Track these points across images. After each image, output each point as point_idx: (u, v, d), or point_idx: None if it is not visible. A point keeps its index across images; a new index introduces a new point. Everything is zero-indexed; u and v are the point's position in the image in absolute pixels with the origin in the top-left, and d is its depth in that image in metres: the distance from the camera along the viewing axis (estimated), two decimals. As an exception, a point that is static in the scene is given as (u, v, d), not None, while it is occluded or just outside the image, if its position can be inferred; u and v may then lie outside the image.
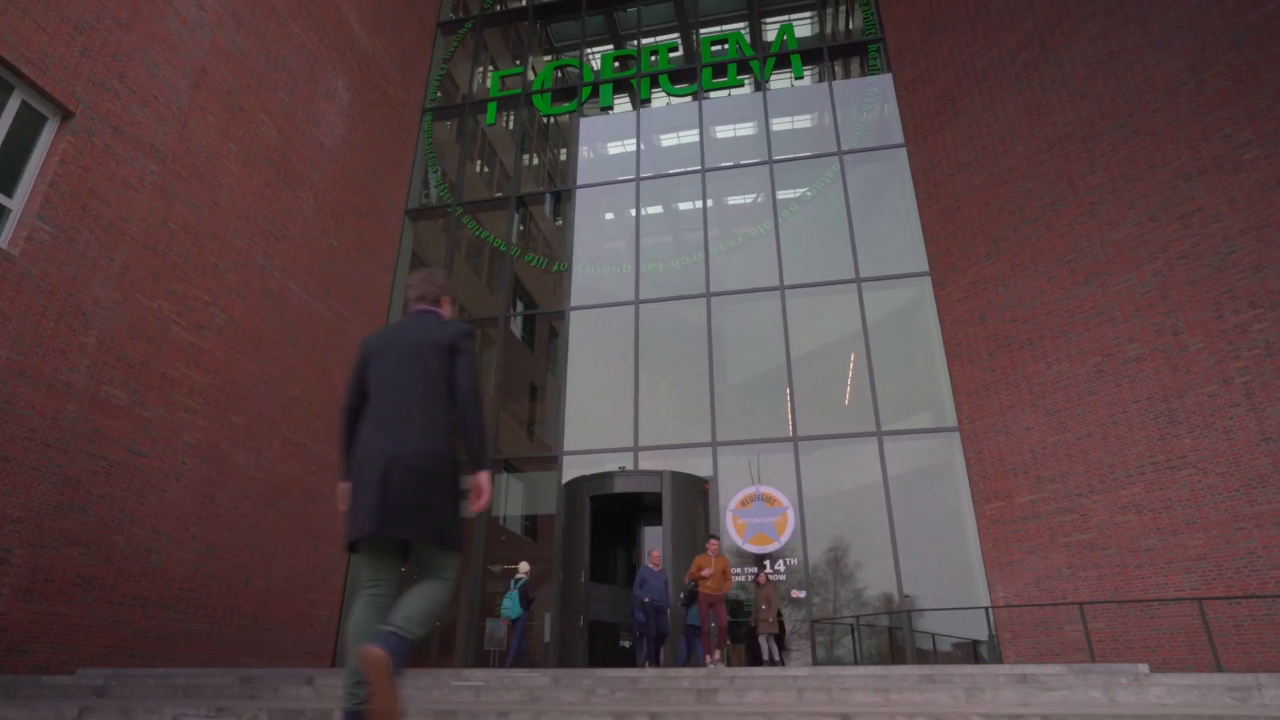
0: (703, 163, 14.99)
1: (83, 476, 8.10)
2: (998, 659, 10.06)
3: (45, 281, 7.87)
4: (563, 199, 15.66)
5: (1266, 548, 8.13)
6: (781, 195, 14.26)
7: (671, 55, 16.70)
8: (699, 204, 15.28)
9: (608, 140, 16.64)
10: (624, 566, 12.86)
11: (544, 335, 15.55)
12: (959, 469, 11.40)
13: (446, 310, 2.89)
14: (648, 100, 16.20)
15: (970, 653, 10.50)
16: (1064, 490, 10.02)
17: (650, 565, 9.45)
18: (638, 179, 15.13)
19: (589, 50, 17.61)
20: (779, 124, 15.39)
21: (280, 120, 11.92)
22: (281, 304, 11.55)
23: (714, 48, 16.39)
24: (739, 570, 11.50)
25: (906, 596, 10.60)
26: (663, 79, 16.22)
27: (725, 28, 17.37)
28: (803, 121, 15.66)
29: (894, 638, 11.01)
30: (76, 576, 7.99)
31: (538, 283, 15.66)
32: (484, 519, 12.72)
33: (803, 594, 11.16)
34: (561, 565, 11.78)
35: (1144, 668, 5.89)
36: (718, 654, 8.49)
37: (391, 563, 2.48)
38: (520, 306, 15.66)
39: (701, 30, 17.44)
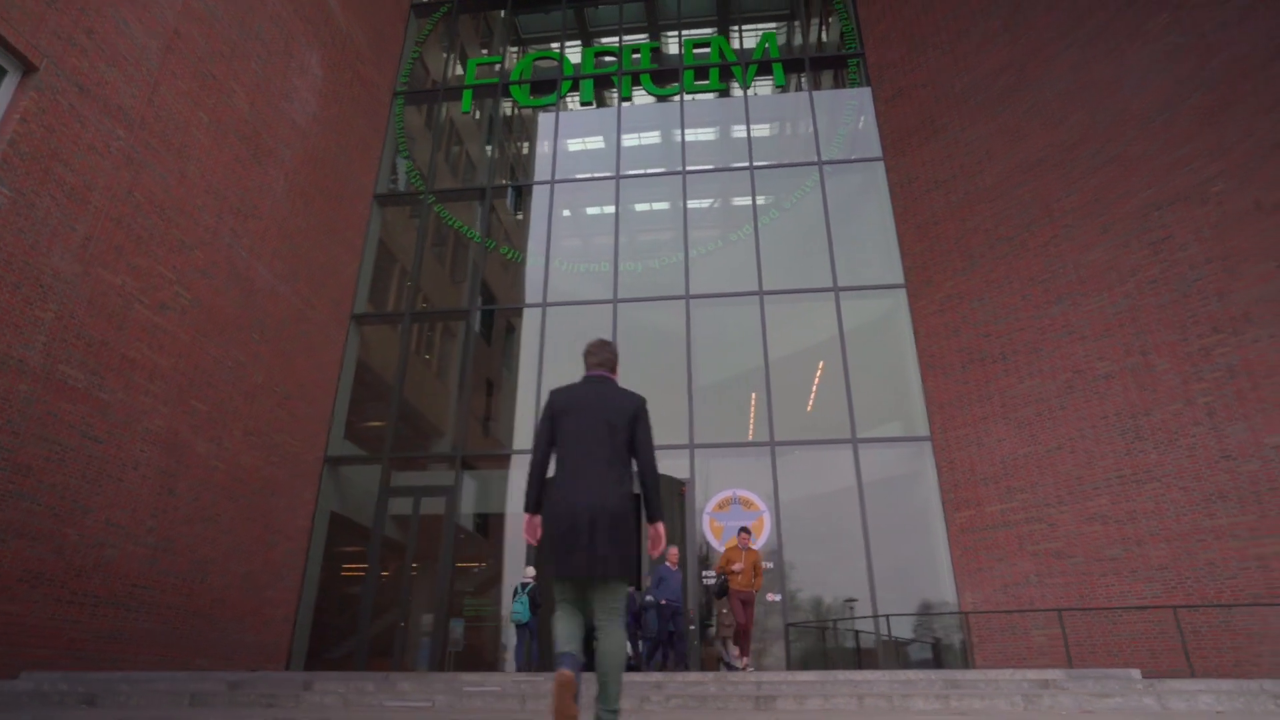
0: (684, 164, 14.97)
1: (33, 463, 7.46)
2: (969, 663, 10.35)
3: (1, 248, 7.22)
4: (529, 193, 15.36)
5: (1224, 559, 8.60)
6: (759, 201, 14.37)
7: (600, 59, 16.58)
8: (658, 205, 15.27)
9: (578, 136, 16.45)
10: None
11: (501, 330, 15.21)
12: (930, 477, 11.69)
13: (616, 376, 3.43)
14: (629, 98, 16.09)
15: (938, 657, 10.77)
16: (1033, 500, 10.39)
17: (668, 564, 9.23)
18: (617, 176, 15.00)
19: (559, 44, 17.37)
20: (757, 130, 15.51)
21: (253, 92, 11.30)
22: (248, 286, 10.95)
23: (696, 50, 16.40)
24: (711, 575, 11.49)
25: (898, 600, 10.79)
26: (644, 78, 16.13)
27: (695, 32, 17.35)
28: (783, 128, 15.82)
29: (860, 640, 11.20)
30: (23, 571, 7.35)
31: (498, 276, 15.29)
32: (450, 520, 12.36)
33: (778, 598, 11.23)
34: (536, 568, 11.52)
35: (1136, 673, 6.15)
36: (746, 659, 7.97)
37: (582, 587, 3.04)
38: (480, 300, 15.24)
39: (670, 33, 17.39)
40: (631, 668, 9.78)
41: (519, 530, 12.53)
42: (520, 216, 15.62)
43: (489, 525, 13.34)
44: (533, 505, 3.14)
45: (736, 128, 15.67)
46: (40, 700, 4.93)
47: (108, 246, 8.49)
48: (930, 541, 11.35)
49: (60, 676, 6.37)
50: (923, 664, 10.77)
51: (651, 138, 16.32)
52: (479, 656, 12.12)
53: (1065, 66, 11.66)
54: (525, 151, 16.56)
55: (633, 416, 3.16)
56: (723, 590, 8.64)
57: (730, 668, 10.16)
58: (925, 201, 13.09)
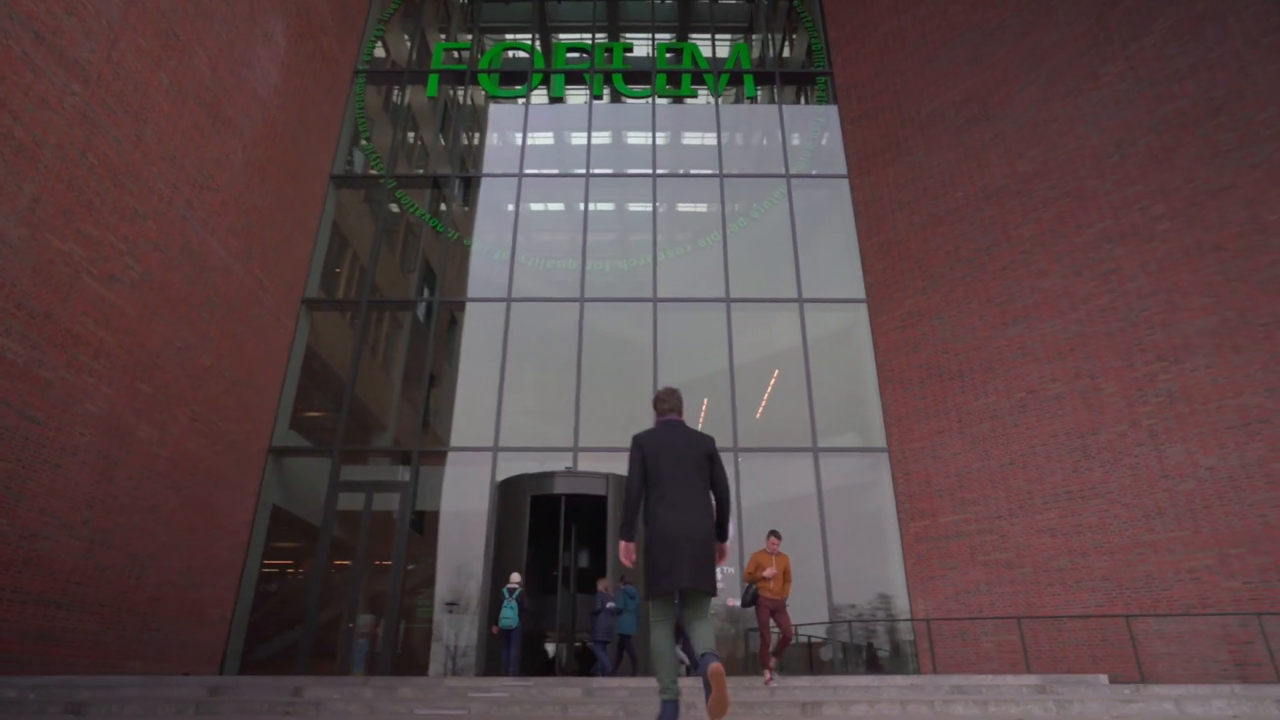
0: (654, 167, 14.98)
1: (-35, 443, 6.75)
2: (918, 669, 10.72)
3: (-59, 205, 6.51)
4: (478, 185, 14.98)
5: (1161, 571, 9.23)
6: (728, 209, 14.52)
7: (571, 56, 16.46)
8: (629, 206, 15.24)
9: (546, 130, 16.21)
10: (555, 571, 12.48)
11: (444, 324, 14.79)
12: (887, 488, 12.07)
13: (682, 417, 3.93)
14: (599, 96, 15.98)
15: (892, 661, 11.11)
16: (986, 513, 10.88)
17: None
18: (587, 174, 14.86)
19: (530, 36, 17.09)
20: (727, 139, 15.67)
21: (215, 56, 10.62)
22: (200, 262, 10.26)
23: (668, 55, 16.46)
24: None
25: (853, 606, 11.06)
26: (616, 78, 16.07)
27: (656, 37, 17.37)
28: (751, 139, 16.04)
29: (812, 645, 11.45)
30: (-53, 563, 6.63)
31: (458, 269, 14.81)
32: (404, 516, 11.91)
33: (737, 603, 11.33)
34: (494, 568, 11.25)
35: (1104, 678, 6.52)
36: (771, 669, 7.35)
37: (674, 601, 3.59)
38: (427, 292, 14.71)
39: (629, 34, 17.33)
40: (604, 671, 9.69)
41: (457, 528, 12.20)
42: (466, 208, 15.21)
43: (424, 522, 12.85)
44: (630, 533, 3.62)
45: (706, 135, 15.80)
46: (14, 709, 4.40)
47: (57, 210, 7.78)
48: (885, 550, 11.72)
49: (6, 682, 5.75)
50: (876, 669, 11.09)
51: (619, 138, 16.24)
52: (413, 659, 11.72)
53: (1026, 102, 12.30)
54: (494, 142, 16.18)
55: (710, 455, 3.75)
56: (752, 599, 7.73)
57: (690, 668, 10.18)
58: (889, 220, 13.54)
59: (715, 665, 3.18)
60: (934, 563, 11.21)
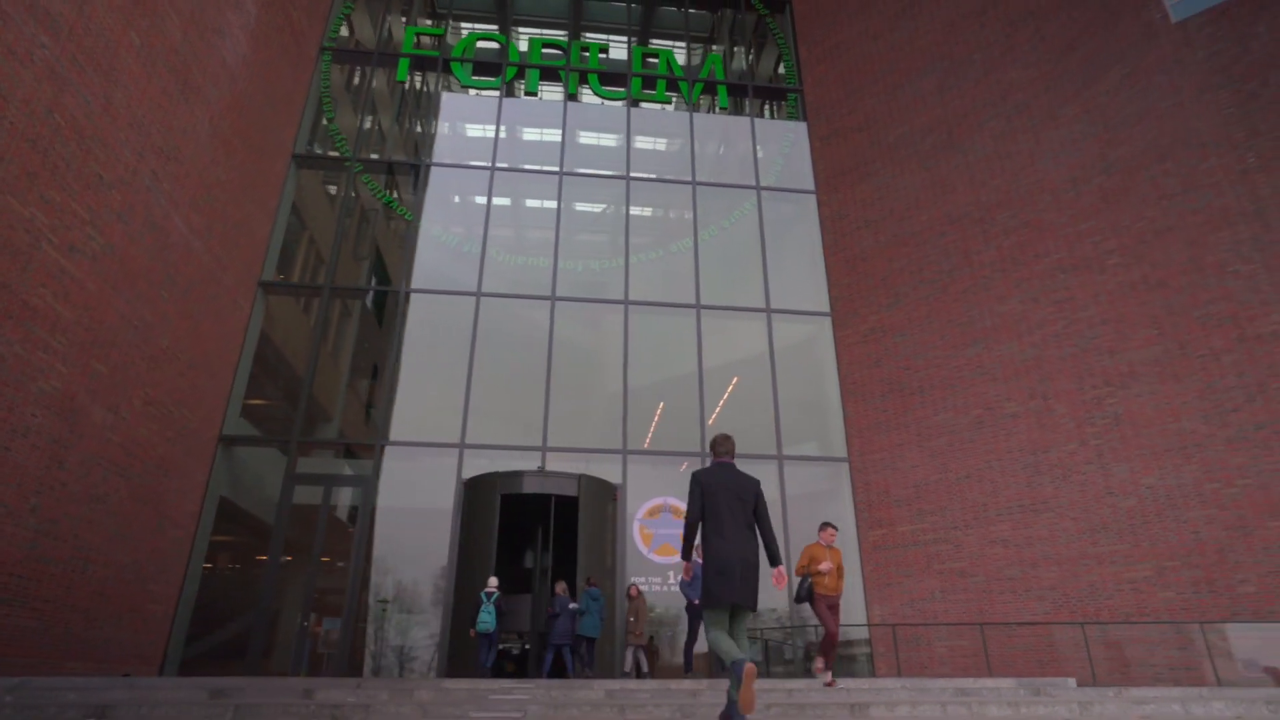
0: (628, 170, 15.01)
1: (-90, 420, 6.15)
2: (873, 672, 11.12)
3: (-100, 157, 5.92)
4: (427, 174, 14.65)
5: (1103, 581, 9.90)
6: (699, 216, 14.69)
7: (546, 52, 16.39)
8: (599, 207, 15.22)
9: (518, 124, 15.99)
10: (520, 572, 12.32)
11: (391, 314, 14.38)
12: (846, 497, 12.48)
13: (734, 460, 4.74)
14: (575, 95, 15.90)
15: (848, 664, 11.48)
16: (942, 523, 11.40)
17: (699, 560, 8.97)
18: (561, 172, 14.75)
19: (471, 26, 16.84)
20: (701, 147, 15.85)
21: (186, 20, 10.04)
22: (163, 238, 9.66)
23: (647, 60, 16.54)
24: (644, 580, 11.56)
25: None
26: (592, 78, 16.03)
27: (614, 39, 17.38)
28: (723, 148, 16.27)
29: (781, 651, 11.72)
30: (-117, 552, 6.02)
31: (394, 256, 14.34)
32: (366, 512, 11.52)
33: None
34: (459, 568, 11.01)
35: (1072, 682, 6.96)
36: (829, 672, 7.07)
37: (726, 611, 4.39)
38: (374, 280, 14.23)
39: (589, 34, 17.28)
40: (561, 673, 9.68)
41: (419, 525, 11.89)
42: (432, 198, 14.82)
43: (386, 519, 12.46)
44: (688, 554, 4.58)
45: (675, 141, 15.95)
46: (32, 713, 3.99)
47: (20, 171, 7.18)
48: (848, 558, 12.07)
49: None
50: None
51: (593, 138, 16.20)
52: (351, 658, 11.33)
53: (990, 134, 12.98)
54: (463, 132, 15.85)
55: (757, 495, 4.54)
56: (808, 594, 7.24)
57: (640, 673, 10.25)
58: (855, 238, 14.01)
59: (749, 666, 3.93)
60: (891, 570, 11.66)
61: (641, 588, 10.81)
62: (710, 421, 12.96)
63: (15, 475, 7.28)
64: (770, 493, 12.25)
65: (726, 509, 4.38)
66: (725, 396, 13.49)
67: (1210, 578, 9.17)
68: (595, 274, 14.04)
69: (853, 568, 11.98)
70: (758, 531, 4.44)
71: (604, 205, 15.20)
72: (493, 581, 9.65)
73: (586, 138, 16.10)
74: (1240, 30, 11.00)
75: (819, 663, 7.19)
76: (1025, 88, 12.82)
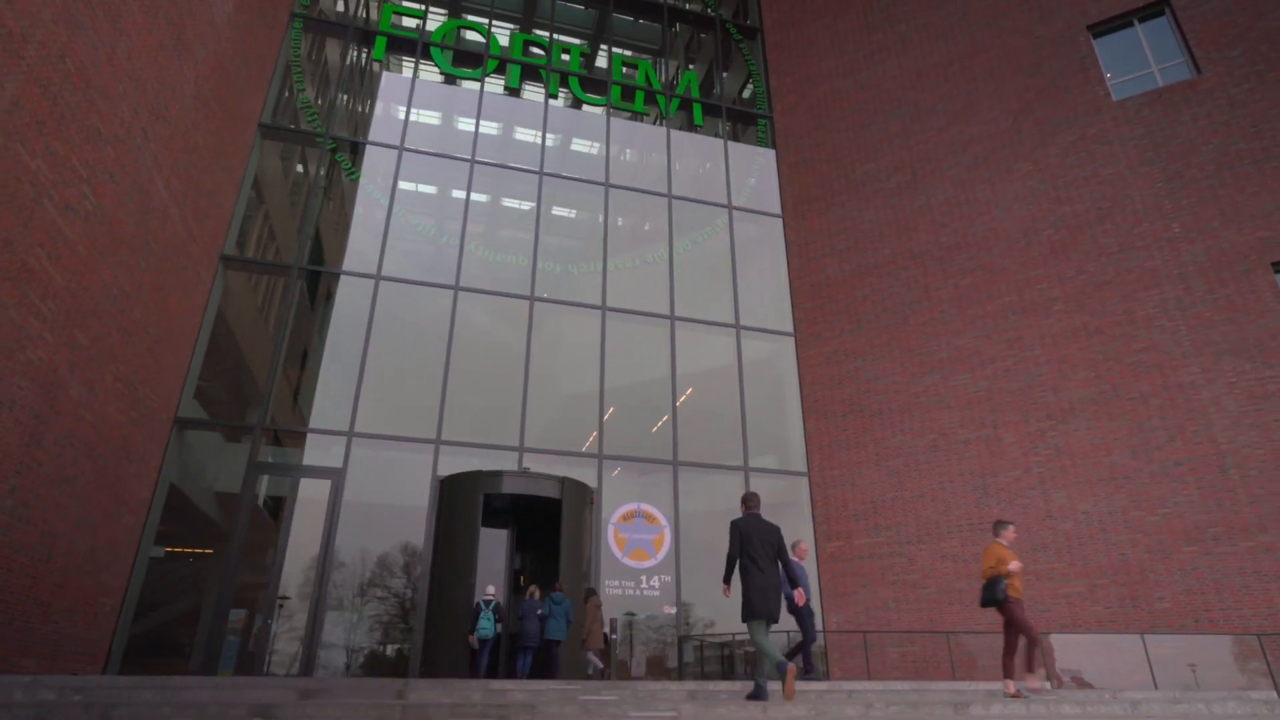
0: (606, 178, 15.15)
1: (-98, 386, 5.49)
2: (828, 675, 11.78)
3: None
4: (418, 161, 14.31)
5: (1042, 595, 10.99)
6: (673, 229, 15.04)
7: (565, 57, 16.41)
8: (577, 212, 15.29)
9: (489, 118, 15.74)
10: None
11: (322, 298, 13.86)
12: (806, 509, 13.14)
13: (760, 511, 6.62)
14: (555, 95, 15.88)
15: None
16: (896, 538, 12.25)
17: (796, 559, 8.92)
18: (540, 173, 14.69)
19: (429, 11, 16.58)
20: (676, 163, 16.19)
21: (186, -29, 9.37)
22: (146, 201, 8.97)
23: (625, 70, 16.73)
24: (617, 584, 11.73)
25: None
26: (572, 81, 16.06)
27: (559, 38, 17.30)
28: (698, 166, 16.69)
29: (735, 655, 12.17)
30: None
31: (331, 238, 13.82)
32: (336, 505, 11.03)
33: (674, 610, 11.77)
34: (435, 567, 10.76)
35: (1048, 684, 7.77)
36: (1039, 674, 6.54)
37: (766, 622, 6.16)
38: (355, 266, 13.76)
39: (542, 31, 17.12)
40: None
41: (389, 522, 11.54)
42: (408, 185, 14.39)
43: (354, 513, 11.98)
44: (727, 579, 6.42)
45: (655, 155, 16.25)
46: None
47: (31, 119, 6.54)
48: (804, 567, 12.71)
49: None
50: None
51: (564, 141, 16.22)
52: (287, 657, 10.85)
53: (950, 181, 14.09)
54: (435, 121, 15.44)
55: (779, 538, 6.41)
56: (1003, 596, 6.63)
57: (600, 674, 10.46)
58: (820, 264, 14.80)
59: (790, 666, 5.69)
60: (847, 580, 12.40)
61: (600, 595, 10.90)
62: (654, 430, 13.11)
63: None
64: (734, 501, 12.73)
65: (760, 549, 6.17)
66: (680, 403, 13.86)
67: (1134, 594, 10.42)
68: (574, 277, 14.08)
69: (810, 576, 12.63)
70: (779, 564, 6.31)
71: (580, 210, 15.26)
72: (490, 589, 9.58)
73: (559, 140, 16.08)
74: (1170, 115, 12.57)
75: (1030, 679, 6.51)
76: (984, 142, 14.03)
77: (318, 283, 13.23)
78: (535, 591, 10.27)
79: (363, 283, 12.66)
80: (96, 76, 7.52)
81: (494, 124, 15.67)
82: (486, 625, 9.30)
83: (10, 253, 6.44)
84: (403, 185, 13.83)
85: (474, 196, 14.17)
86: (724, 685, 7.07)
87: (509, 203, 14.98)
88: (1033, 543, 11.24)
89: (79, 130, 7.31)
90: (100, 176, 7.82)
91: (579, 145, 16.29)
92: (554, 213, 15.08)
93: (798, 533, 13.01)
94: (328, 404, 11.91)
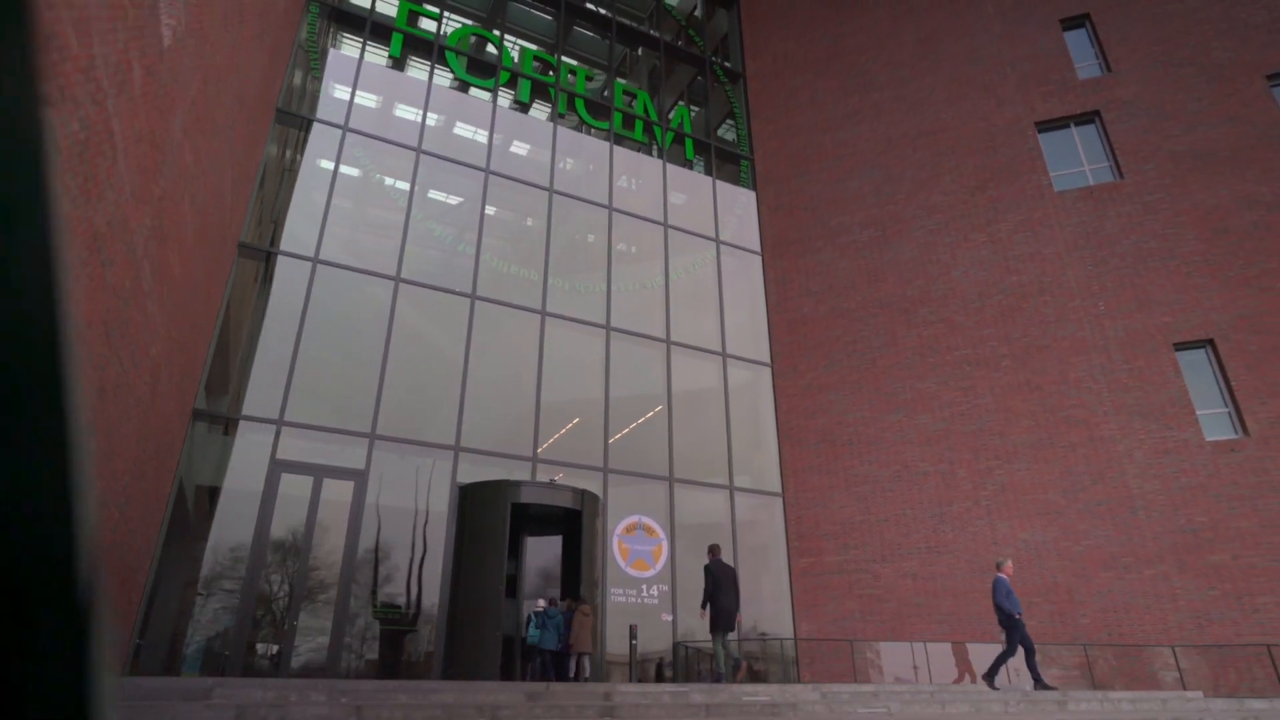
0: (610, 201, 15.81)
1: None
2: (799, 679, 13.05)
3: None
4: (436, 168, 14.46)
5: (988, 611, 12.73)
6: (668, 257, 15.94)
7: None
8: (559, 227, 15.85)
9: (492, 129, 15.97)
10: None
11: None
12: (779, 527, 14.42)
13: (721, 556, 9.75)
14: (563, 114, 16.35)
15: (780, 673, 13.30)
16: (863, 556, 13.76)
17: (1003, 576, 9.76)
18: (551, 190, 15.14)
19: (454, 17, 16.82)
20: (673, 196, 17.10)
21: (275, -39, 9.25)
22: (219, 188, 8.75)
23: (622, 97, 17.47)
24: (621, 592, 12.41)
25: (752, 625, 12.94)
26: (578, 103, 16.60)
27: (523, 43, 17.75)
28: (690, 198, 17.66)
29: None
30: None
31: (346, 236, 13.72)
32: (359, 508, 11.00)
33: (670, 618, 12.61)
34: (455, 570, 10.99)
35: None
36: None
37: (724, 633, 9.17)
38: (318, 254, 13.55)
39: (499, 30, 17.49)
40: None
41: (409, 528, 11.64)
42: (427, 191, 14.32)
43: (370, 516, 11.91)
44: (704, 606, 9.37)
45: (648, 181, 17.08)
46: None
47: (192, 118, 6.46)
48: (776, 579, 13.98)
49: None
50: (755, 678, 13.17)
51: (571, 162, 16.71)
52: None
53: (915, 242, 15.95)
54: (452, 129, 15.46)
55: (735, 577, 9.50)
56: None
57: (581, 677, 11.20)
58: (797, 303, 16.22)
59: (744, 664, 8.99)
60: (817, 593, 13.76)
61: (588, 606, 11.58)
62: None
63: (118, 448, 6.42)
64: (722, 518, 13.84)
65: (725, 583, 9.26)
66: (640, 420, 14.78)
67: (1062, 611, 12.43)
68: (581, 295, 14.62)
69: (783, 590, 13.91)
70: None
71: (584, 231, 15.81)
72: (540, 602, 10.09)
73: (567, 161, 16.56)
74: (1098, 211, 15.01)
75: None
76: (945, 210, 15.99)
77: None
78: (543, 604, 10.79)
79: (383, 283, 12.61)
80: (215, 73, 7.42)
81: (497, 135, 15.90)
82: (535, 633, 9.86)
83: (159, 243, 6.35)
84: (422, 192, 13.84)
85: (488, 210, 14.40)
86: (718, 687, 8.04)
87: (506, 216, 15.28)
88: (980, 565, 13.06)
89: (209, 123, 7.21)
90: (206, 167, 7.68)
91: (569, 163, 16.82)
92: (561, 229, 15.53)
93: (771, 548, 14.28)
94: (348, 404, 11.80)
